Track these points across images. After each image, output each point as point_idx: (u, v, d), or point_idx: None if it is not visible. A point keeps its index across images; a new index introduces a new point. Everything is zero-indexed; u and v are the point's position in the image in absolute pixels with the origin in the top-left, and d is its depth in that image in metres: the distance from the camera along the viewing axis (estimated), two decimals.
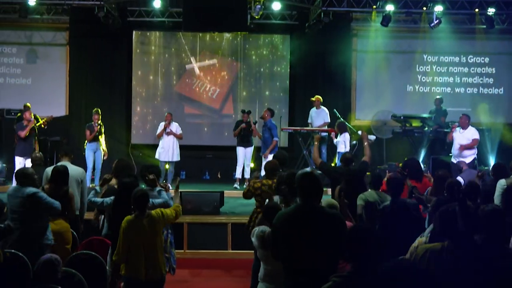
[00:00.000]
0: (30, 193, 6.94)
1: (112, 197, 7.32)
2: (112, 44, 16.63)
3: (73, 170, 8.52)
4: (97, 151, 13.53)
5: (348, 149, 13.53)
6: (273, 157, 8.92)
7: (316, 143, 9.78)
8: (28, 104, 14.05)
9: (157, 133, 14.16)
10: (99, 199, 7.53)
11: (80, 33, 16.41)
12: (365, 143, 9.56)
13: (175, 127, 14.08)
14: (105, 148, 13.74)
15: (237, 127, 14.26)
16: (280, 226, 4.76)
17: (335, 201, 6.59)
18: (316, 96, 15.10)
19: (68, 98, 16.79)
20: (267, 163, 8.73)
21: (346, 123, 14.82)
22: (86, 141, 13.60)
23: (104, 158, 13.69)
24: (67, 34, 16.87)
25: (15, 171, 12.45)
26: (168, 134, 13.91)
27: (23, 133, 12.89)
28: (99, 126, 13.55)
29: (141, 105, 17.09)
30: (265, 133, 14.06)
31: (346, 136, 13.74)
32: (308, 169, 4.97)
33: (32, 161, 10.09)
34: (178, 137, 14.04)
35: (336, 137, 13.78)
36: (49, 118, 14.02)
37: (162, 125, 14.06)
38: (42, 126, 13.90)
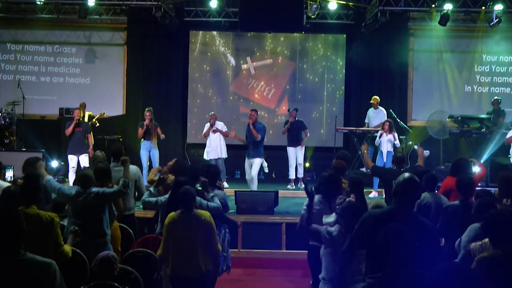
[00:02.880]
0: (95, 192, 6.91)
1: (166, 196, 7.41)
2: (169, 44, 16.82)
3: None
4: (151, 149, 13.64)
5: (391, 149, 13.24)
6: (337, 157, 8.78)
7: (365, 151, 10.08)
8: (83, 103, 14.32)
9: (203, 133, 14.21)
10: (153, 198, 7.66)
11: (137, 33, 16.66)
12: (420, 161, 9.58)
13: (220, 126, 14.13)
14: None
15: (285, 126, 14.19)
16: (369, 225, 4.72)
17: (383, 201, 6.60)
18: (374, 97, 14.95)
19: (125, 98, 17.04)
20: (333, 163, 8.53)
21: (401, 123, 14.65)
22: (141, 140, 13.75)
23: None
24: (125, 34, 17.13)
25: (69, 169, 13.05)
26: (215, 131, 13.95)
27: (67, 131, 13.21)
28: (149, 125, 13.53)
29: (197, 104, 17.22)
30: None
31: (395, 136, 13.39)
32: (407, 174, 4.85)
33: (93, 159, 10.15)
34: (224, 135, 14.06)
35: (380, 137, 13.43)
36: (101, 115, 14.25)
37: (207, 125, 14.15)
38: (96, 125, 14.15)
